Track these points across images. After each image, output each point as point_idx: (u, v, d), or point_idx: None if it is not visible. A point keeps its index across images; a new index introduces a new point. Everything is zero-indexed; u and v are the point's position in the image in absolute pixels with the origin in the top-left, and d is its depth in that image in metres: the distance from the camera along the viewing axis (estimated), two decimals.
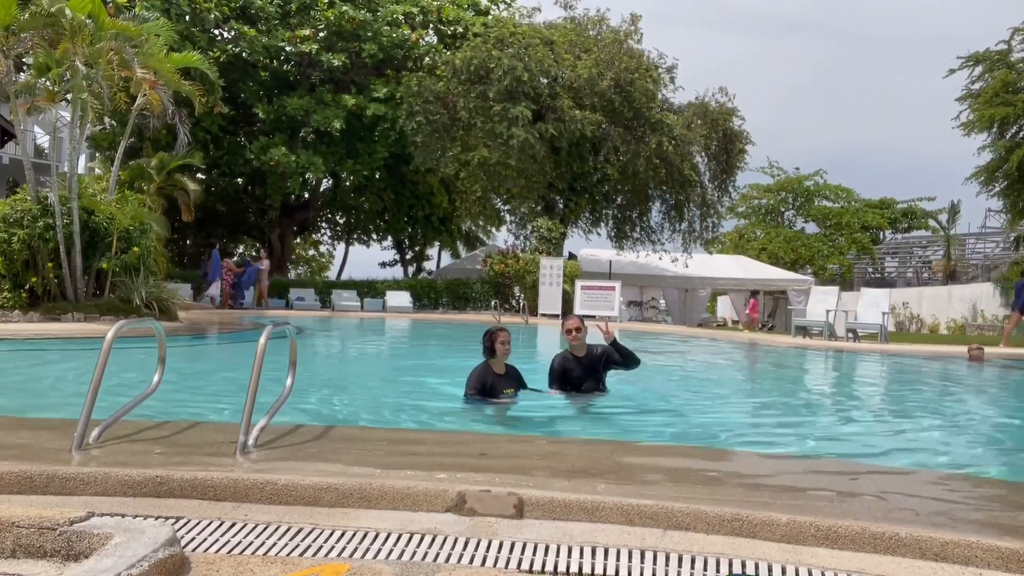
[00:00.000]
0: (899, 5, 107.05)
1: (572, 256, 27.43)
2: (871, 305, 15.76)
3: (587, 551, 2.72)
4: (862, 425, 6.56)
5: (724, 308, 38.43)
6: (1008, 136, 25.53)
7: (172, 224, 25.19)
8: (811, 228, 42.11)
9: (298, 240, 39.15)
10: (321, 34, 26.50)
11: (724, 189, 27.50)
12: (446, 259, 40.82)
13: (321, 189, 33.02)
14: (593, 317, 22.41)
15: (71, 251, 14.30)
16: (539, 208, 26.22)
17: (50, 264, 14.21)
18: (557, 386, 6.41)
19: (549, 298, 23.07)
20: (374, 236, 36.99)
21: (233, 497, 3.18)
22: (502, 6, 29.73)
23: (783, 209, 43.87)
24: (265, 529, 2.88)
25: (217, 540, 2.77)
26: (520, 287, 23.70)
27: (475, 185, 24.62)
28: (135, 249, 15.05)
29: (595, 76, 24.03)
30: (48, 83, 15.16)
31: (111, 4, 16.51)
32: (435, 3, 27.55)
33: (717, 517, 2.91)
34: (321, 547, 2.72)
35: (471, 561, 2.64)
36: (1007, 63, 25.33)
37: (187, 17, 24.41)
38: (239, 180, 30.74)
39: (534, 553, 2.69)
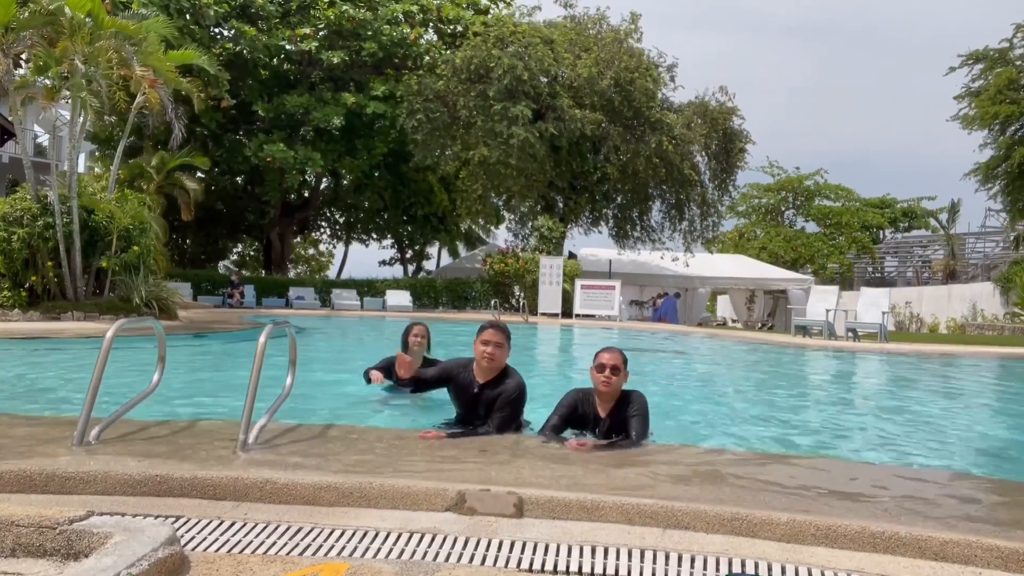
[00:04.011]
0: (899, 5, 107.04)
1: (572, 255, 27.43)
2: (871, 304, 15.75)
3: (587, 550, 2.71)
4: (861, 425, 6.56)
5: (724, 307, 38.44)
6: (1009, 134, 25.54)
7: (172, 223, 25.20)
8: (811, 227, 42.16)
9: (298, 239, 39.17)
10: (321, 33, 26.51)
11: (724, 188, 27.52)
12: (446, 258, 40.85)
13: (321, 188, 33.04)
14: (593, 316, 22.42)
15: (71, 250, 14.30)
16: (539, 207, 26.23)
17: (50, 263, 14.21)
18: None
19: (549, 297, 23.07)
20: (374, 235, 37.03)
21: (233, 496, 3.18)
22: (502, 5, 29.72)
23: (783, 208, 43.88)
24: (265, 528, 2.88)
25: (217, 539, 2.77)
26: (520, 286, 23.71)
27: (475, 184, 24.62)
28: (135, 248, 15.06)
29: (595, 75, 24.03)
30: (47, 81, 15.17)
31: (108, 2, 16.48)
32: (435, 2, 27.55)
33: (717, 516, 2.91)
34: (321, 546, 2.72)
35: (471, 560, 2.63)
36: (1007, 60, 25.34)
37: (187, 15, 24.41)
38: (239, 179, 30.75)
39: (534, 552, 2.69)
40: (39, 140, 30.72)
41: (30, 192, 14.67)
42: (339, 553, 2.67)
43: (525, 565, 2.59)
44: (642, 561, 2.65)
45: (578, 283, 23.02)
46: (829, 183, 42.79)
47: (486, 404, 4.60)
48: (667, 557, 2.68)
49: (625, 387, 4.53)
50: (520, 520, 2.99)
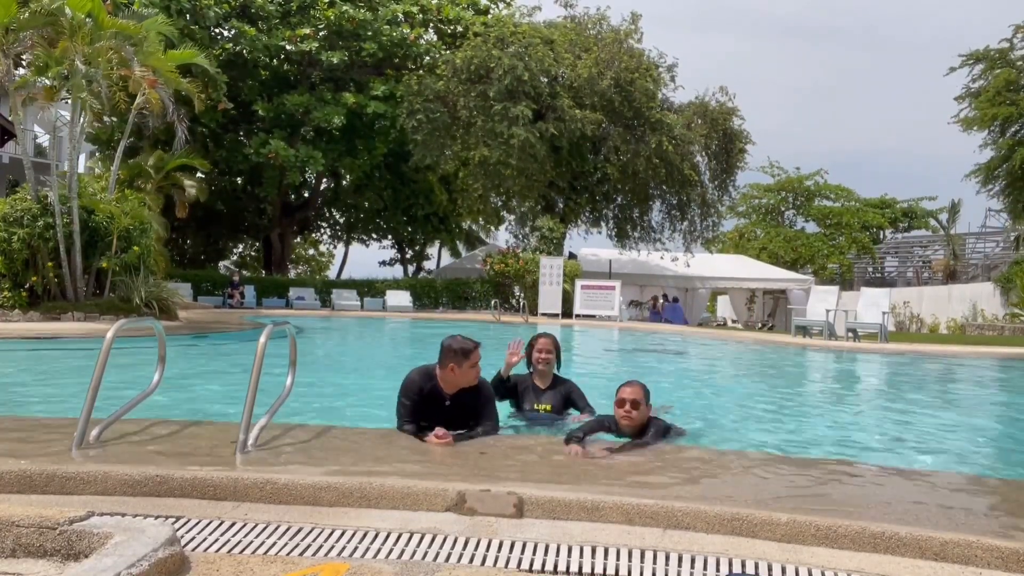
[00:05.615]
0: (900, 5, 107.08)
1: (572, 256, 27.43)
2: (871, 305, 15.74)
3: (587, 551, 2.71)
4: (861, 425, 6.56)
5: (724, 308, 38.44)
6: (1009, 135, 25.53)
7: (172, 223, 25.19)
8: (811, 228, 42.14)
9: (298, 239, 39.17)
10: (321, 33, 26.52)
11: (724, 188, 27.53)
12: (446, 258, 40.84)
13: (321, 188, 33.05)
14: (593, 316, 22.42)
15: (71, 250, 14.30)
16: (539, 207, 26.23)
17: (50, 263, 14.21)
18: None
19: (549, 298, 23.07)
20: (374, 235, 37.02)
21: (233, 496, 3.18)
22: (502, 5, 29.72)
23: (783, 209, 43.86)
24: (265, 528, 2.88)
25: (217, 539, 2.77)
26: (520, 287, 23.71)
27: (475, 184, 24.64)
28: (135, 248, 15.06)
29: (595, 75, 24.04)
30: (47, 81, 15.17)
31: (109, 2, 16.49)
32: (435, 2, 27.56)
33: (717, 516, 2.91)
34: (321, 546, 2.72)
35: (471, 561, 2.63)
36: (1007, 60, 25.33)
37: (188, 15, 24.41)
38: (239, 179, 30.76)
39: (534, 553, 2.69)
40: (39, 140, 30.71)
41: (30, 192, 14.66)
42: (339, 553, 2.67)
43: (525, 565, 2.59)
44: (642, 561, 2.65)
45: (578, 283, 23.02)
46: (829, 183, 42.76)
47: (461, 411, 4.48)
48: (667, 557, 2.68)
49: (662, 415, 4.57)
50: (520, 520, 2.99)
